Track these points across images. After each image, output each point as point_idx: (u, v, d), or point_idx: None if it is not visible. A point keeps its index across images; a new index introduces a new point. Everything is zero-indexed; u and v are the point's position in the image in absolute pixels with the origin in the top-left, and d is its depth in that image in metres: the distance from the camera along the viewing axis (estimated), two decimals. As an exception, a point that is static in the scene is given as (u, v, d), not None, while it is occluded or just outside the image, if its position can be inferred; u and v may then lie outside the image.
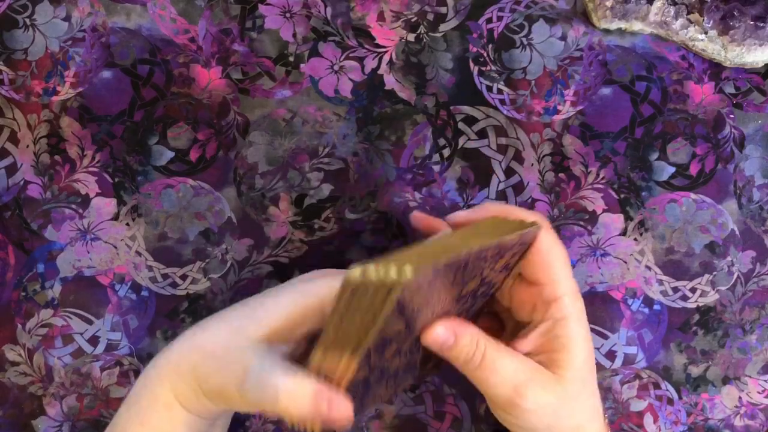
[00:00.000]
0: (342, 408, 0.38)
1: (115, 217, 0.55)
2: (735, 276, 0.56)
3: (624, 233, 0.56)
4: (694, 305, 0.56)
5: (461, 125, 0.56)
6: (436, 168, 0.56)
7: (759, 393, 0.56)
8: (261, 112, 0.56)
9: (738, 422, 0.56)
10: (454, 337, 0.42)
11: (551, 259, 0.44)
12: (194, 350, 0.44)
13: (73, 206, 0.55)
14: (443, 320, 0.42)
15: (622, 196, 0.56)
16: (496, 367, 0.43)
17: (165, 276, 0.55)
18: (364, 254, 0.56)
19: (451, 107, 0.56)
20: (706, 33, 0.55)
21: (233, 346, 0.42)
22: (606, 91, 0.56)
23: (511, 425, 0.45)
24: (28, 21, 0.55)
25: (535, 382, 0.43)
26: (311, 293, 0.43)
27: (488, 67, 0.56)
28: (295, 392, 0.38)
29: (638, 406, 0.56)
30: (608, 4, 0.54)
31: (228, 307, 0.46)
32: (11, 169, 0.55)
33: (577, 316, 0.44)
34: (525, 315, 0.46)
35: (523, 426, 0.44)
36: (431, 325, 0.41)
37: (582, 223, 0.56)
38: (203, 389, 0.43)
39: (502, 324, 0.48)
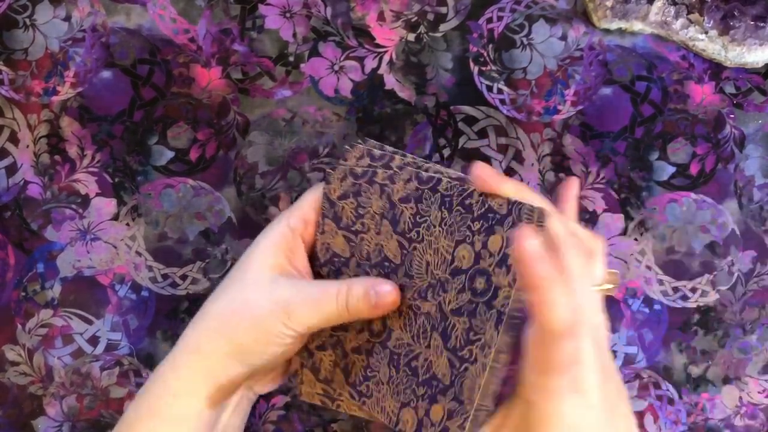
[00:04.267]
0: (387, 287, 0.42)
1: (115, 217, 0.55)
2: (735, 276, 0.56)
3: (624, 233, 0.56)
4: (694, 305, 0.56)
5: (461, 125, 0.56)
6: (437, 168, 0.56)
7: (759, 393, 0.56)
8: (261, 112, 0.56)
9: (738, 422, 0.56)
10: None
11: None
12: (214, 314, 0.44)
13: (73, 206, 0.55)
14: None
15: (623, 196, 0.56)
16: None
17: (165, 276, 0.55)
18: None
19: (452, 107, 0.56)
20: (706, 33, 0.54)
21: (252, 296, 0.44)
22: (606, 91, 0.56)
23: None
24: (28, 21, 0.55)
25: None
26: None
27: (488, 67, 0.56)
28: (348, 293, 0.42)
29: (639, 405, 0.56)
30: (608, 4, 0.54)
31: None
32: (11, 169, 0.55)
33: (556, 390, 0.36)
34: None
35: None
36: None
37: (582, 223, 0.56)
38: (235, 344, 0.43)
39: None
